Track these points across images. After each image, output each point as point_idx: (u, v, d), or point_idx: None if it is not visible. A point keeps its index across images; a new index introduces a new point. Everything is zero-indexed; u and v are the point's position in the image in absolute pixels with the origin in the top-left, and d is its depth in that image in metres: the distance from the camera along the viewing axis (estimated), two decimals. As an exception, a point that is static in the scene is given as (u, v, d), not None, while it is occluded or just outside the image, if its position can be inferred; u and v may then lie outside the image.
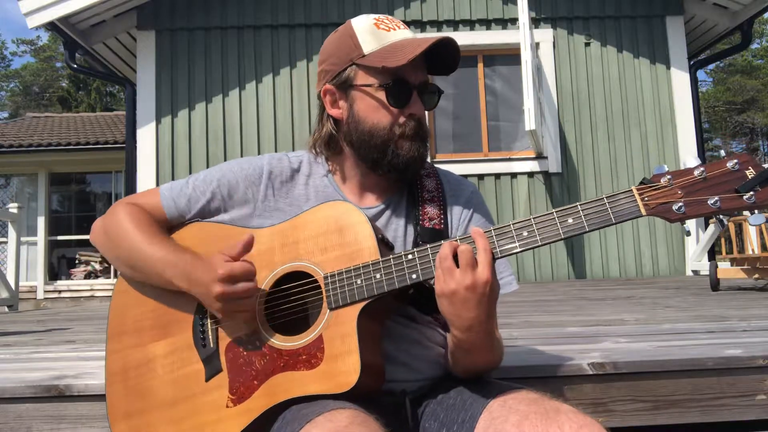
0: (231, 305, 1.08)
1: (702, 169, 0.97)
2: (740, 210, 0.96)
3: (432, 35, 1.16)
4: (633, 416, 1.43)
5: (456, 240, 1.04)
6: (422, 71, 1.19)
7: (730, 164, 0.96)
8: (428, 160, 1.31)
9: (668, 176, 0.98)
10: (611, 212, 0.99)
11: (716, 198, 0.95)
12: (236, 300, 1.07)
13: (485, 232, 1.03)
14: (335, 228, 1.11)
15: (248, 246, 1.10)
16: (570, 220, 1.00)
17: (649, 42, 6.77)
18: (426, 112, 1.22)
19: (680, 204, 0.96)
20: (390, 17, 1.22)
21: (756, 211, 0.96)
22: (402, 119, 1.17)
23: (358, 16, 1.22)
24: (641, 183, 0.99)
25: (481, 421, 0.98)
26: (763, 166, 0.96)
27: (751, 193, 0.94)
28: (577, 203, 1.01)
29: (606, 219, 1.00)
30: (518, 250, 1.02)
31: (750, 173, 0.95)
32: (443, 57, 1.19)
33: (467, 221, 1.25)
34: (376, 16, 1.21)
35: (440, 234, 1.20)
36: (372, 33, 1.17)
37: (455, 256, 1.00)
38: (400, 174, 1.21)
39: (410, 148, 1.18)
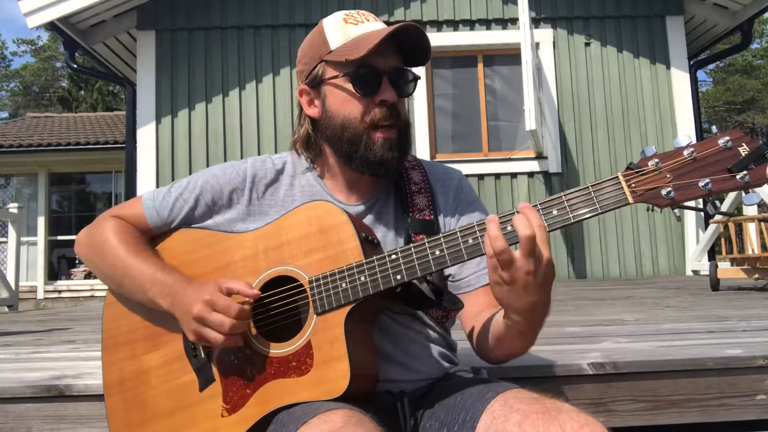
0: (203, 332, 1.07)
1: (692, 148, 0.90)
2: (733, 190, 0.90)
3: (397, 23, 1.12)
4: (633, 416, 1.43)
5: (497, 217, 0.94)
6: (393, 58, 1.15)
7: (721, 141, 0.90)
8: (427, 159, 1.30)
9: (656, 159, 0.92)
10: (597, 201, 0.93)
11: (707, 180, 0.89)
12: (207, 328, 1.06)
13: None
14: (318, 229, 1.09)
15: (248, 294, 1.07)
16: (555, 212, 0.95)
17: (649, 42, 6.77)
18: (404, 104, 1.18)
19: (669, 189, 0.90)
20: (362, 11, 1.19)
21: (751, 191, 0.89)
22: (373, 108, 1.14)
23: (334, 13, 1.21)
24: (628, 168, 0.93)
25: (482, 420, 0.98)
26: (758, 141, 0.90)
27: (745, 172, 0.88)
28: (561, 193, 0.95)
29: (592, 209, 0.93)
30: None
31: (743, 150, 0.89)
32: (412, 45, 1.15)
33: (457, 210, 1.25)
34: (348, 11, 1.18)
35: (430, 225, 1.20)
36: (339, 28, 1.16)
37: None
38: (373, 170, 1.15)
39: (384, 142, 1.13)
